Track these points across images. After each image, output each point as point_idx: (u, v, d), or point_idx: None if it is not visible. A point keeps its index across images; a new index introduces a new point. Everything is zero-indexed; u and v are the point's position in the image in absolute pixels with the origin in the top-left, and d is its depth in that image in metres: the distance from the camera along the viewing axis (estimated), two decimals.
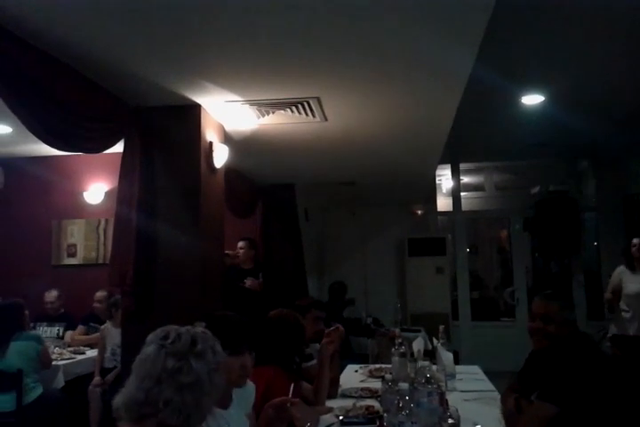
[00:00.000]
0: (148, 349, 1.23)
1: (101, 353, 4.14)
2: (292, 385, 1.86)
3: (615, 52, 3.74)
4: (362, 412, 2.50)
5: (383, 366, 3.56)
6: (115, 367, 4.02)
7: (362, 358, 5.19)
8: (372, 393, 2.84)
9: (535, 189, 8.23)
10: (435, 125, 3.88)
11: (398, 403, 1.74)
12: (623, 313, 4.60)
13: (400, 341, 3.14)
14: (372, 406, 2.55)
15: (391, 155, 4.70)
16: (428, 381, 2.01)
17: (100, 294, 4.57)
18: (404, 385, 1.80)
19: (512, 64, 3.91)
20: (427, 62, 2.72)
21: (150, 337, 1.27)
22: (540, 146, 6.37)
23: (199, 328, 1.34)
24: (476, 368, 3.58)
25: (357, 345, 5.69)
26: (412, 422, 1.68)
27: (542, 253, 7.42)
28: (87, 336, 4.59)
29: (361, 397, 2.88)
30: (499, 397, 2.78)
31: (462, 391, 2.87)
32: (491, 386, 3.01)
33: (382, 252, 7.71)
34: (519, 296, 7.53)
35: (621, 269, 4.70)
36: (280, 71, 2.85)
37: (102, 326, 4.30)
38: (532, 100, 4.69)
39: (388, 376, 2.43)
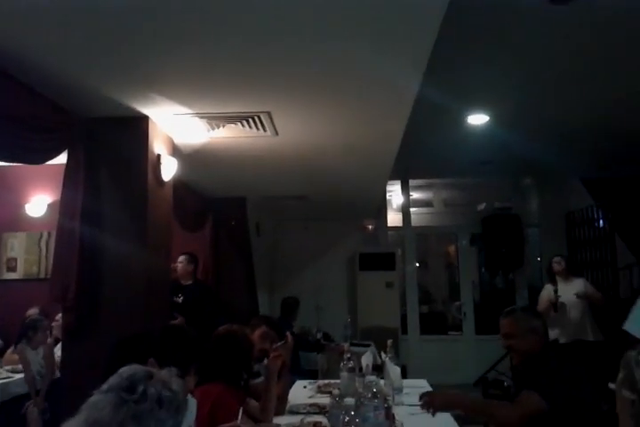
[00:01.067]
0: (107, 396, 1.07)
1: (29, 374, 3.91)
2: (241, 409, 1.83)
3: (555, 75, 3.91)
4: None
5: (332, 381, 3.55)
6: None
7: (311, 374, 5.16)
8: (320, 409, 2.83)
9: (481, 206, 8.48)
10: (384, 142, 3.95)
11: (343, 418, 1.73)
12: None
13: (348, 356, 3.15)
14: (320, 423, 2.53)
15: (342, 170, 4.75)
16: (375, 395, 2.02)
17: (31, 312, 4.39)
18: (349, 400, 1.80)
19: (458, 85, 4.04)
20: (376, 79, 2.78)
21: (112, 382, 1.09)
22: (485, 164, 6.57)
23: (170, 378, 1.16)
24: (423, 382, 3.62)
25: (307, 361, 5.65)
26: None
27: (488, 267, 7.62)
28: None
29: (309, 413, 2.85)
30: None
31: (409, 405, 2.89)
32: None
33: (334, 266, 7.74)
34: (466, 310, 7.68)
35: (548, 286, 5.23)
36: (230, 85, 2.85)
37: (18, 347, 3.99)
38: (478, 119, 4.85)
39: (335, 392, 2.43)
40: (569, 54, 3.52)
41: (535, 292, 7.46)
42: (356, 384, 2.92)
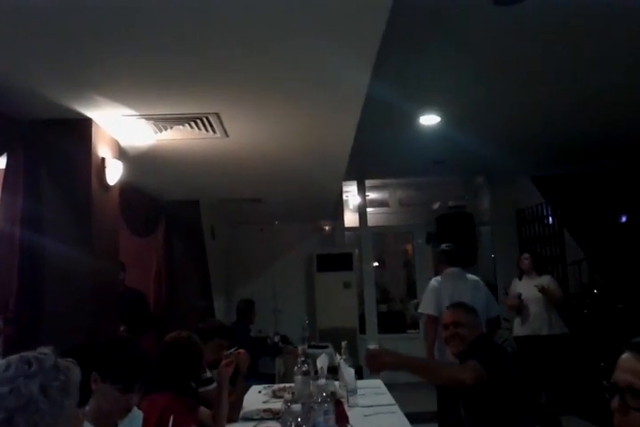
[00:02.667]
0: None
1: None
2: (172, 418, 1.80)
3: (504, 76, 3.98)
4: None
5: (288, 385, 3.52)
6: None
7: (269, 378, 5.12)
8: (274, 414, 2.79)
9: (436, 205, 8.59)
10: (337, 142, 3.94)
11: (290, 425, 1.70)
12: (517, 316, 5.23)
13: (303, 359, 3.13)
14: None
15: (295, 171, 4.72)
16: (325, 399, 2.00)
17: None
18: (296, 407, 1.77)
19: (410, 86, 4.07)
20: (324, 79, 2.76)
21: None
22: (439, 163, 6.66)
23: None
24: (378, 382, 3.62)
25: (265, 364, 5.60)
26: None
27: None
28: None
29: (262, 419, 2.82)
30: (398, 410, 2.84)
31: (363, 407, 2.89)
32: (391, 399, 3.05)
33: (291, 268, 7.71)
34: None
35: (515, 280, 5.44)
36: (177, 86, 2.78)
37: None
38: (430, 120, 4.90)
39: (287, 396, 2.39)
40: (517, 55, 3.59)
41: (489, 288, 7.62)
42: (311, 388, 2.90)
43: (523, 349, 5.25)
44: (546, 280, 5.22)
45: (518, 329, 5.26)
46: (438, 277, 4.35)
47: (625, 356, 1.08)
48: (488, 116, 4.94)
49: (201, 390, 2.58)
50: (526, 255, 5.39)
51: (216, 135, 3.50)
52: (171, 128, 3.38)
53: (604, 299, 6.54)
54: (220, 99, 2.96)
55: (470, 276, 4.35)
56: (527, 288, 5.20)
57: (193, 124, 3.29)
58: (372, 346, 2.23)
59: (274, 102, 3.07)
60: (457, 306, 2.68)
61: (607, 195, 7.25)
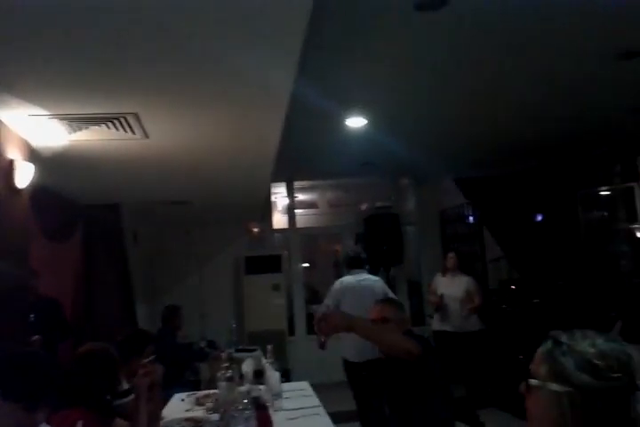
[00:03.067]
0: None
1: None
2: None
3: (427, 79, 4.08)
4: None
5: (212, 392, 3.45)
6: None
7: (195, 385, 5.00)
8: (196, 423, 2.73)
9: (364, 206, 8.72)
10: (262, 143, 3.90)
11: None
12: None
13: (227, 364, 3.07)
14: None
15: (221, 173, 4.64)
16: (245, 406, 1.97)
17: None
18: (213, 417, 1.73)
19: (336, 89, 4.09)
20: (247, 81, 2.72)
21: None
22: (366, 165, 6.75)
23: None
24: (305, 384, 3.62)
25: (192, 371, 5.48)
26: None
27: (371, 264, 7.83)
28: None
29: None
30: (323, 412, 2.84)
31: (288, 410, 2.87)
32: (316, 402, 3.06)
33: (219, 271, 7.58)
34: None
35: (438, 275, 5.69)
36: (91, 85, 2.66)
37: None
38: (356, 122, 4.96)
39: (208, 404, 2.34)
40: (440, 59, 3.68)
41: (414, 286, 7.84)
42: (236, 394, 2.86)
43: (441, 344, 5.45)
44: (466, 282, 5.49)
45: (437, 324, 5.50)
46: (342, 279, 4.85)
47: (539, 348, 1.19)
48: (413, 118, 5.06)
49: (117, 402, 2.48)
50: (452, 254, 5.64)
51: (135, 136, 3.38)
52: (86, 128, 3.23)
53: (521, 294, 6.86)
54: (139, 99, 2.86)
55: (371, 277, 4.89)
56: (449, 286, 5.42)
57: (110, 124, 3.16)
58: (320, 310, 2.18)
59: (195, 103, 3.01)
60: (385, 301, 2.69)
61: (524, 196, 7.61)
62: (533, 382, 1.14)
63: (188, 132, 3.49)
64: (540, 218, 7.90)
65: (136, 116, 3.07)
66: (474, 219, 7.09)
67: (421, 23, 3.07)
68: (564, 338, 1.16)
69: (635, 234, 7.01)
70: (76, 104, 2.88)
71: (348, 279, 4.78)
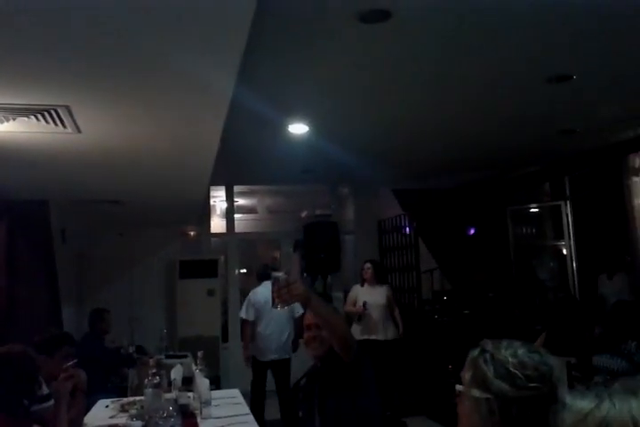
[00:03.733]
0: None
1: None
2: None
3: (368, 90, 4.13)
4: None
5: (138, 398, 3.33)
6: None
7: (121, 391, 4.81)
8: None
9: (304, 213, 8.73)
10: (201, 146, 3.82)
11: None
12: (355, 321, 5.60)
13: (154, 371, 2.97)
14: None
15: (157, 173, 4.51)
16: (171, 414, 1.89)
17: None
18: (136, 424, 1.65)
19: (279, 95, 4.08)
20: (187, 80, 2.65)
21: None
22: (307, 172, 6.77)
23: None
24: (235, 392, 3.56)
25: (119, 376, 5.27)
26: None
27: (309, 272, 7.84)
28: None
29: None
30: (252, 420, 2.79)
31: (216, 418, 2.80)
32: (245, 410, 3.00)
33: (151, 275, 7.36)
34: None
35: (357, 286, 5.81)
36: (20, 73, 2.51)
37: None
38: (298, 129, 4.95)
39: (132, 411, 2.25)
40: (382, 69, 3.73)
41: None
42: (163, 400, 2.76)
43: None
44: (384, 291, 5.62)
45: (357, 333, 5.50)
46: (255, 289, 5.45)
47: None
48: (354, 128, 5.11)
49: (36, 408, 2.34)
50: (368, 265, 5.72)
51: (67, 130, 3.23)
52: (13, 120, 3.05)
53: (453, 305, 7.04)
54: (71, 90, 2.72)
55: None
56: (369, 295, 5.55)
57: (40, 116, 3.00)
58: (279, 274, 2.02)
59: (132, 100, 2.90)
60: None
61: (458, 209, 7.86)
62: (459, 387, 1.19)
63: (123, 129, 3.36)
64: (472, 231, 8.16)
65: (68, 108, 2.93)
66: (410, 230, 7.23)
67: (365, 33, 3.11)
68: (489, 347, 1.20)
69: (561, 250, 7.35)
70: (2, 93, 2.72)
71: (261, 290, 5.33)
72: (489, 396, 1.12)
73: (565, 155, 6.53)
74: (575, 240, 6.96)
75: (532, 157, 6.74)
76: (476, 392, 1.14)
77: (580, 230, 6.87)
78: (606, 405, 0.78)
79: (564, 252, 7.19)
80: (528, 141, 5.87)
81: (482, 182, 7.79)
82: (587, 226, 6.69)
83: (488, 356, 1.17)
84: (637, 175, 5.99)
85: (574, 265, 6.95)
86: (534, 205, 8.02)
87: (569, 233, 7.03)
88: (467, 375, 1.18)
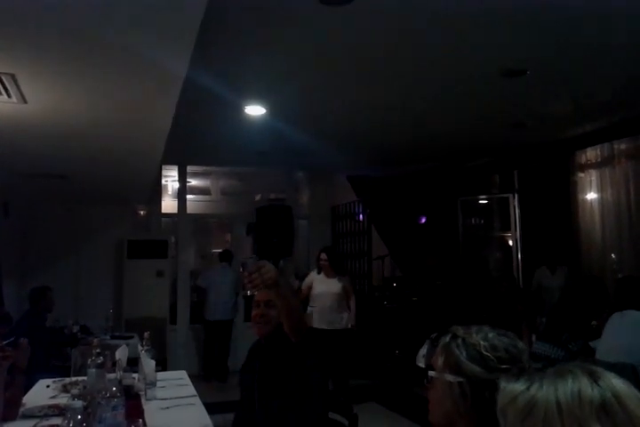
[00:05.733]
0: None
1: None
2: None
3: (327, 75, 4.11)
4: None
5: (80, 378, 3.25)
6: None
7: (64, 371, 4.70)
8: (61, 411, 2.56)
9: (257, 196, 8.66)
10: (153, 123, 3.71)
11: (69, 421, 1.55)
12: (310, 308, 5.59)
13: (98, 351, 2.90)
14: (57, 425, 2.28)
15: (106, 149, 4.36)
16: (114, 394, 1.86)
17: None
18: (77, 404, 1.62)
19: (235, 75, 4.00)
20: (140, 57, 2.56)
21: None
22: (262, 155, 6.71)
23: None
24: (182, 373, 3.52)
25: (61, 356, 5.15)
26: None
27: (261, 256, 7.82)
28: None
29: (46, 415, 2.57)
30: (198, 401, 2.78)
31: (162, 399, 2.78)
32: (192, 391, 2.98)
33: (98, 253, 7.17)
34: (238, 298, 7.79)
35: (313, 273, 5.79)
36: None
37: None
38: (255, 111, 4.89)
39: (74, 391, 2.20)
40: (341, 54, 3.71)
41: (302, 279, 7.92)
42: (105, 381, 2.71)
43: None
44: (342, 279, 5.67)
45: (311, 323, 5.46)
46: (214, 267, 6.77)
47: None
48: (311, 112, 5.08)
49: None
50: (324, 256, 5.66)
51: (11, 100, 3.07)
52: None
53: (401, 292, 7.18)
54: (16, 58, 2.58)
55: (230, 269, 7.05)
56: (324, 283, 5.57)
57: None
58: (248, 259, 1.92)
59: (82, 72, 2.78)
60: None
61: (411, 198, 7.98)
62: (432, 373, 1.22)
63: (71, 102, 3.22)
64: (423, 220, 8.32)
65: (13, 77, 2.78)
66: (363, 216, 7.29)
67: (325, 15, 3.08)
68: (460, 332, 1.25)
69: (507, 242, 7.59)
70: None
71: (217, 268, 6.94)
72: (461, 379, 1.16)
73: (515, 148, 6.71)
74: (521, 232, 7.18)
75: (484, 150, 6.89)
76: (449, 377, 1.18)
77: (527, 223, 7.10)
78: (535, 386, 0.82)
79: (510, 243, 7.42)
80: (481, 134, 5.99)
81: (434, 172, 7.92)
82: (533, 219, 6.91)
83: (460, 341, 1.21)
84: (583, 171, 6.22)
85: (519, 256, 7.19)
86: (483, 197, 8.23)
87: (515, 225, 7.26)
88: (439, 361, 1.22)
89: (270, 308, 2.38)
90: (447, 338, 1.24)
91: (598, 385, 0.79)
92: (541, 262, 6.22)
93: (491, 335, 1.21)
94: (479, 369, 1.16)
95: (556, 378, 0.82)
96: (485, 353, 1.17)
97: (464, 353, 1.18)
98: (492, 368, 1.16)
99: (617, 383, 0.80)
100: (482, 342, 1.19)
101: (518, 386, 0.84)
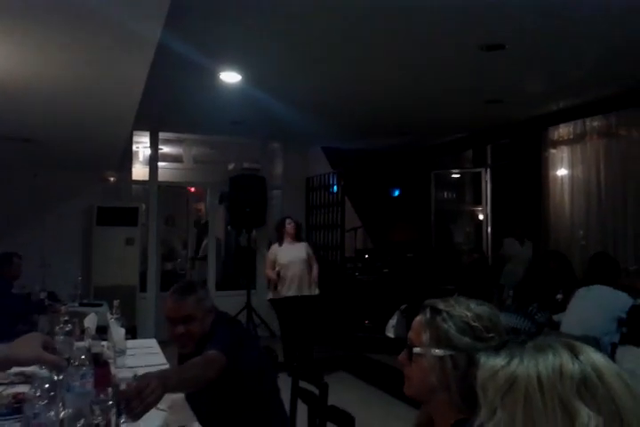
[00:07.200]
0: None
1: None
2: None
3: (306, 45, 4.03)
4: (8, 401, 2.19)
5: None
6: None
7: None
8: (26, 378, 2.53)
9: (231, 165, 8.56)
10: (124, 89, 3.60)
11: (37, 390, 1.53)
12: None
13: (66, 318, 2.87)
14: (22, 393, 2.26)
15: (74, 113, 4.22)
16: (83, 362, 1.85)
17: None
18: (43, 372, 1.60)
19: (211, 39, 3.88)
20: (109, 21, 2.45)
21: None
22: (236, 124, 6.60)
23: None
24: (152, 342, 3.51)
25: (28, 323, 5.09)
26: (51, 411, 1.50)
27: (234, 225, 7.78)
28: None
29: (12, 383, 2.54)
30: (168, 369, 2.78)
31: (131, 367, 2.76)
32: (162, 359, 2.98)
33: (67, 219, 7.01)
34: (210, 267, 7.79)
35: (275, 246, 5.69)
36: None
37: None
38: (230, 77, 4.77)
39: None
40: (318, 27, 3.64)
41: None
42: (74, 349, 2.68)
43: (281, 309, 5.58)
44: (304, 247, 5.65)
45: (274, 294, 5.55)
46: None
47: (417, 317, 1.25)
48: (287, 81, 4.99)
49: None
50: (290, 221, 5.66)
51: None
52: None
53: (373, 264, 7.25)
54: None
55: None
56: (290, 251, 5.55)
57: None
58: (125, 383, 1.67)
59: (49, 35, 2.67)
60: (184, 293, 2.15)
61: (384, 171, 7.99)
62: (417, 349, 1.20)
63: (36, 61, 3.09)
64: (397, 193, 8.36)
65: None
66: (337, 188, 7.29)
67: None
68: (441, 306, 1.23)
69: (477, 216, 7.70)
70: None
71: None
72: (453, 352, 1.16)
73: (490, 124, 6.73)
74: (492, 206, 7.29)
75: (459, 125, 6.90)
76: (439, 352, 1.17)
77: (498, 197, 7.19)
78: (516, 361, 0.82)
79: (481, 217, 7.53)
80: (457, 108, 5.99)
81: (409, 146, 7.93)
82: (504, 193, 7.01)
83: (445, 314, 1.20)
84: (555, 148, 6.30)
85: (489, 230, 7.31)
86: (456, 171, 8.29)
87: (486, 199, 7.35)
88: (423, 337, 1.20)
89: (190, 323, 2.12)
90: (427, 313, 1.22)
91: (579, 360, 0.79)
92: (508, 234, 6.35)
93: (472, 305, 1.22)
94: (469, 340, 1.16)
95: (537, 353, 0.82)
96: (473, 323, 1.18)
97: (453, 326, 1.18)
98: (482, 338, 1.17)
99: (596, 358, 0.81)
100: (467, 313, 1.19)
101: (498, 361, 0.84)
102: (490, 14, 3.46)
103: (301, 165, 7.93)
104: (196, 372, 1.90)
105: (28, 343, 1.57)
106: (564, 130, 6.19)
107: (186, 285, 2.24)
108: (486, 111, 5.99)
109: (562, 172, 6.24)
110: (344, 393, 4.31)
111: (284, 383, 2.46)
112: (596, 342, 3.21)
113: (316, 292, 5.59)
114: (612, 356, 3.02)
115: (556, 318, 3.82)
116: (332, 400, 2.17)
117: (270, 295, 5.67)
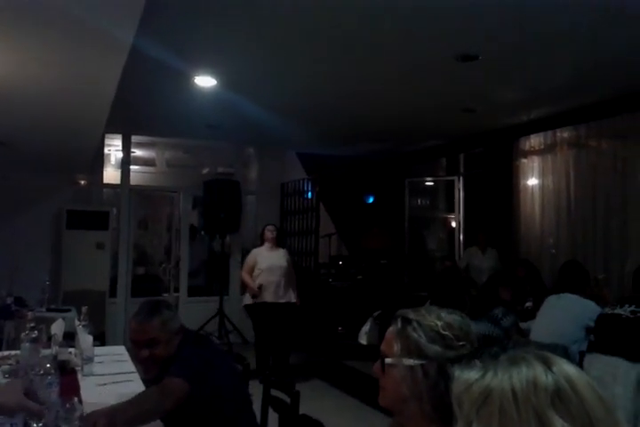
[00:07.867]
0: None
1: None
2: None
3: (284, 51, 4.03)
4: None
5: (14, 352, 3.13)
6: None
7: None
8: None
9: (205, 170, 8.50)
10: (96, 91, 3.55)
11: None
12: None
13: (33, 324, 2.80)
14: None
15: (46, 115, 4.14)
16: (48, 371, 1.80)
17: None
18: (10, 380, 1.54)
19: (185, 43, 3.86)
20: (81, 24, 2.42)
21: None
22: (211, 128, 6.55)
23: None
24: (121, 349, 3.44)
25: None
26: (12, 424, 1.45)
27: (207, 230, 7.71)
28: None
29: None
30: (137, 378, 2.73)
31: (99, 375, 2.71)
32: (131, 367, 2.92)
33: (36, 223, 6.86)
34: (182, 272, 7.69)
35: (256, 250, 5.71)
36: None
37: None
38: (205, 82, 4.75)
39: (4, 367, 2.12)
40: (297, 31, 3.64)
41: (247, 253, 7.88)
42: (40, 356, 2.62)
43: (257, 315, 5.53)
44: (285, 253, 5.66)
45: (250, 300, 5.51)
46: None
47: (389, 328, 1.25)
48: (263, 86, 4.98)
49: None
50: (271, 228, 5.68)
51: None
52: None
53: (347, 270, 7.26)
54: None
55: None
56: (271, 257, 5.55)
57: None
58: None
59: (21, 36, 2.62)
60: (150, 315, 2.06)
61: (359, 177, 8.03)
62: (388, 360, 1.20)
63: (6, 60, 3.02)
64: (371, 200, 8.40)
65: None
66: (312, 194, 7.29)
67: None
68: (411, 315, 1.23)
69: (450, 223, 7.78)
70: None
71: None
72: (424, 362, 1.16)
73: (463, 133, 6.82)
74: (464, 214, 7.37)
75: (433, 133, 6.97)
76: (409, 361, 1.17)
77: (470, 205, 7.28)
78: (490, 374, 0.82)
79: (454, 224, 7.61)
80: (431, 117, 6.06)
81: (384, 153, 7.98)
82: (476, 202, 7.10)
83: (415, 324, 1.20)
84: (526, 157, 6.41)
85: (461, 237, 7.39)
86: (430, 179, 8.38)
87: (459, 207, 7.44)
88: (395, 347, 1.20)
89: (155, 346, 2.04)
90: (399, 323, 1.23)
91: (552, 372, 0.80)
92: (474, 243, 6.42)
93: (443, 314, 1.22)
94: (439, 349, 1.17)
95: (511, 365, 0.82)
96: (443, 332, 1.18)
97: (423, 335, 1.18)
98: (452, 346, 1.17)
99: (569, 369, 0.81)
100: (437, 322, 1.20)
101: (472, 374, 0.84)
102: (465, 26, 3.51)
103: (276, 171, 7.91)
104: (150, 406, 1.83)
105: (9, 391, 1.52)
106: (535, 140, 6.30)
107: (151, 305, 2.13)
108: (460, 120, 6.07)
109: (533, 181, 6.34)
110: (318, 401, 4.30)
111: (256, 390, 2.43)
112: (564, 351, 3.26)
113: (294, 299, 5.57)
114: (579, 364, 3.07)
115: (525, 325, 3.86)
116: (305, 408, 2.15)
117: (246, 301, 5.62)
